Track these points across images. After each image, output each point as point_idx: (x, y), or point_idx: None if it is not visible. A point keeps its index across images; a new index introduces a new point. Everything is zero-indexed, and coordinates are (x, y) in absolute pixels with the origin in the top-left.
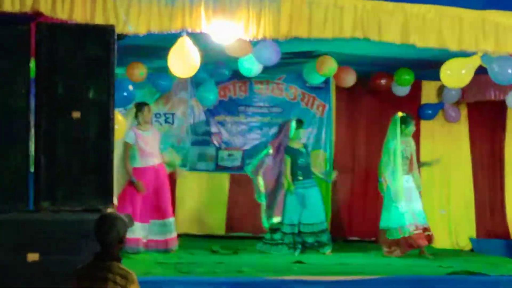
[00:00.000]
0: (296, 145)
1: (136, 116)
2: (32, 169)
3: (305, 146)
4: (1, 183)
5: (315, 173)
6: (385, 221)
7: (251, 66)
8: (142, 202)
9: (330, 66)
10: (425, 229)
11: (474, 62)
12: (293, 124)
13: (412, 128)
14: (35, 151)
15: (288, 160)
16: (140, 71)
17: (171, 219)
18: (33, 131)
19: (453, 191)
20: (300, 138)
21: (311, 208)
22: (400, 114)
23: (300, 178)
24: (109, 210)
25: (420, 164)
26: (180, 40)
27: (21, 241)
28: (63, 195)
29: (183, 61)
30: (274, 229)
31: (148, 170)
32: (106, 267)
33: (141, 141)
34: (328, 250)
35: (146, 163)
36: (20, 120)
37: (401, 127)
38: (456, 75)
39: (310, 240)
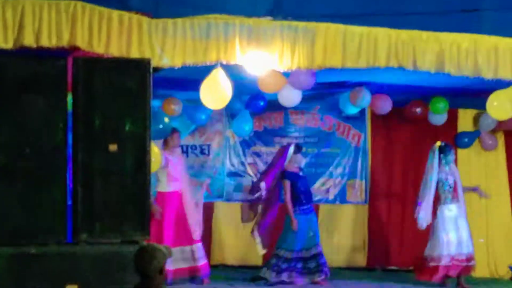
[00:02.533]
0: (293, 169)
1: (164, 141)
2: (70, 202)
3: (300, 169)
4: (41, 216)
5: None
6: (427, 249)
7: (288, 97)
8: (166, 228)
9: (364, 97)
10: (468, 259)
11: None
12: (291, 148)
13: (451, 157)
14: (73, 184)
15: (287, 184)
16: (175, 104)
17: (198, 245)
18: (70, 164)
19: (491, 219)
20: (298, 162)
21: (314, 233)
22: (438, 143)
23: (304, 202)
24: (146, 241)
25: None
26: (213, 72)
27: (60, 274)
28: (101, 227)
29: (215, 93)
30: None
31: (173, 195)
32: None
33: (171, 166)
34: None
35: (171, 188)
36: (58, 154)
37: (440, 156)
38: (503, 106)
39: (313, 264)
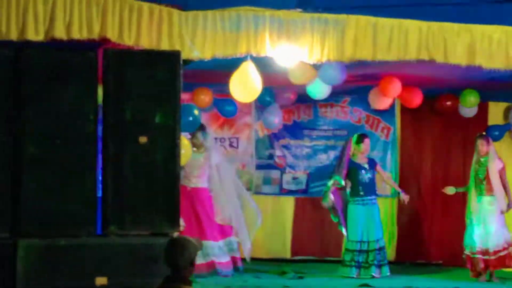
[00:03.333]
0: (358, 160)
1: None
2: (100, 194)
3: (369, 162)
4: (71, 208)
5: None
6: (464, 240)
7: (318, 89)
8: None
9: (394, 87)
10: (496, 252)
11: None
12: (354, 138)
13: (479, 148)
14: (103, 176)
15: (352, 173)
16: (206, 96)
17: (213, 243)
18: (101, 156)
19: None
20: (361, 151)
21: (372, 224)
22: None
23: (362, 193)
24: (176, 233)
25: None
26: (243, 65)
27: (90, 265)
28: (131, 219)
29: (245, 86)
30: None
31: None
32: None
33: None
34: (386, 272)
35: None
36: (88, 146)
37: (474, 146)
38: None
39: (371, 257)
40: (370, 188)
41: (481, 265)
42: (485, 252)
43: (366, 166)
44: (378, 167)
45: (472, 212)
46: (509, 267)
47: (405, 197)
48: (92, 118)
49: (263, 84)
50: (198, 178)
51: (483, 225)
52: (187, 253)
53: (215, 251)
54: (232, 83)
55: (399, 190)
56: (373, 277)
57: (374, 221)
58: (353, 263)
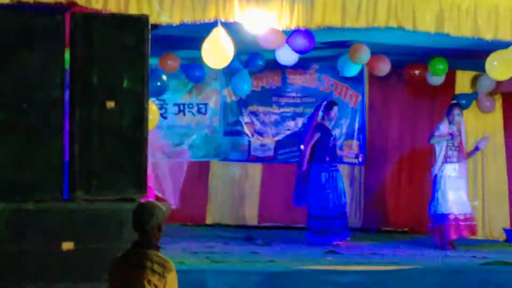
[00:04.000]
0: (328, 126)
1: None
2: (67, 159)
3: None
4: (37, 173)
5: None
6: (430, 209)
7: (286, 56)
8: None
9: (363, 53)
10: (467, 219)
11: None
12: (324, 105)
13: (455, 118)
14: (70, 141)
15: (316, 136)
16: (173, 61)
17: None
18: (67, 121)
19: (487, 181)
20: (330, 118)
21: (335, 191)
22: (451, 102)
23: (327, 159)
24: (143, 198)
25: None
26: (214, 31)
27: (56, 230)
28: (98, 184)
29: (217, 52)
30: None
31: None
32: (144, 255)
33: None
34: (347, 237)
35: None
36: (55, 110)
37: (446, 115)
38: (503, 66)
39: (334, 224)
40: (335, 155)
41: (453, 233)
42: (458, 219)
43: (333, 133)
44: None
45: (444, 180)
46: (474, 235)
47: (360, 158)
48: (59, 83)
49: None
50: None
51: (455, 192)
52: (154, 218)
53: None
54: (204, 49)
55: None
56: (337, 244)
57: (337, 187)
58: (317, 229)
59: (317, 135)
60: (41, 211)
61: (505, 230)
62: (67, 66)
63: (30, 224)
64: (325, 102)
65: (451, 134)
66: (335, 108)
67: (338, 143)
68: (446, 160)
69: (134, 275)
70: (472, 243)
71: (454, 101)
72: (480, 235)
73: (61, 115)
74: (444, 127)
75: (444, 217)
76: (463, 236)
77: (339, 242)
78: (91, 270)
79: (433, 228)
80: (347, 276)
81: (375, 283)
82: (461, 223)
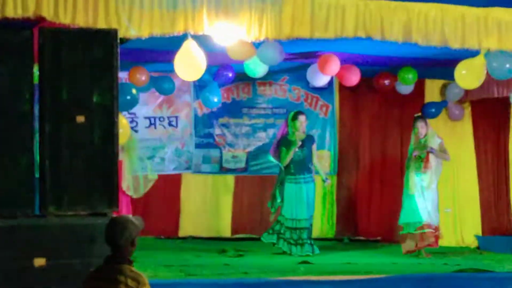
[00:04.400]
0: (295, 137)
1: None
2: (37, 175)
3: (306, 139)
4: (7, 189)
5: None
6: (400, 218)
7: (256, 68)
8: None
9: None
10: (434, 229)
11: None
12: (290, 116)
13: (418, 131)
14: (40, 156)
15: (283, 151)
16: (143, 74)
17: None
18: (37, 137)
19: (458, 189)
20: (298, 129)
21: (301, 203)
22: (417, 115)
23: (292, 171)
24: (115, 213)
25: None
26: (186, 44)
27: (28, 247)
28: (69, 199)
29: (189, 64)
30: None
31: None
32: (117, 270)
33: None
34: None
35: None
36: (24, 125)
37: (412, 128)
38: (471, 75)
39: (304, 235)
40: (302, 166)
41: (422, 240)
42: (427, 226)
43: (300, 143)
44: (314, 146)
45: (411, 189)
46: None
47: (327, 183)
48: (28, 97)
49: None
50: None
51: (423, 200)
52: (127, 233)
53: None
54: (176, 61)
55: (323, 176)
56: (307, 255)
57: (302, 200)
58: (291, 240)
59: (279, 150)
60: (12, 227)
61: (477, 237)
62: (36, 81)
63: (1, 240)
64: (291, 113)
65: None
66: (301, 118)
67: None
68: (414, 171)
69: None
70: (444, 250)
71: (417, 114)
72: (452, 242)
73: (31, 130)
74: (412, 142)
75: (410, 226)
76: (430, 245)
77: (309, 254)
78: (63, 286)
79: (402, 236)
80: (320, 286)
81: None
82: (428, 231)
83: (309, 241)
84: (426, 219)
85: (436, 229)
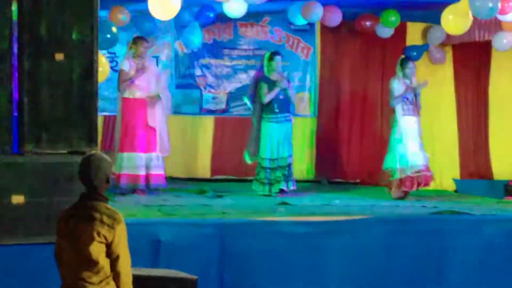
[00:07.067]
0: (273, 77)
1: (130, 48)
2: (16, 112)
3: (286, 79)
4: None
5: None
6: (388, 162)
7: (236, 8)
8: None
9: (315, 11)
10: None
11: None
12: (266, 56)
13: (407, 71)
14: (19, 94)
15: (264, 87)
16: (123, 14)
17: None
18: (16, 74)
19: (437, 132)
20: (274, 69)
21: (283, 142)
22: (402, 56)
23: (276, 110)
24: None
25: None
26: None
27: (6, 184)
28: (47, 137)
29: (163, 3)
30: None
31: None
32: (93, 207)
33: (134, 72)
34: (291, 186)
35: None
36: (3, 63)
37: (400, 68)
38: (458, 20)
39: (278, 174)
40: (285, 105)
41: (410, 184)
42: (417, 171)
43: (286, 83)
44: (290, 85)
45: (402, 132)
46: (427, 186)
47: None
48: (7, 35)
49: (183, 2)
50: None
51: (414, 144)
52: (101, 170)
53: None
54: (150, 0)
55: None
56: (282, 190)
57: (285, 138)
58: (265, 180)
59: (259, 86)
60: None
61: (455, 181)
62: (15, 18)
63: None
64: (267, 53)
65: (407, 88)
66: (277, 58)
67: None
68: (403, 113)
69: (83, 226)
70: (423, 193)
71: (403, 56)
72: (430, 186)
73: (9, 68)
74: (399, 85)
75: (404, 170)
76: (419, 187)
77: (284, 189)
78: (42, 224)
79: (391, 181)
80: (299, 227)
81: (326, 232)
82: (419, 174)
83: (290, 177)
84: (423, 161)
85: (426, 169)
